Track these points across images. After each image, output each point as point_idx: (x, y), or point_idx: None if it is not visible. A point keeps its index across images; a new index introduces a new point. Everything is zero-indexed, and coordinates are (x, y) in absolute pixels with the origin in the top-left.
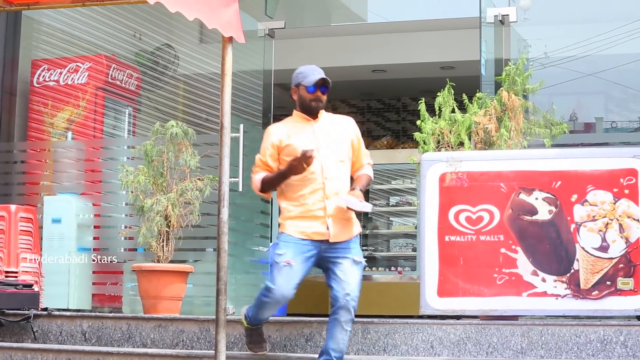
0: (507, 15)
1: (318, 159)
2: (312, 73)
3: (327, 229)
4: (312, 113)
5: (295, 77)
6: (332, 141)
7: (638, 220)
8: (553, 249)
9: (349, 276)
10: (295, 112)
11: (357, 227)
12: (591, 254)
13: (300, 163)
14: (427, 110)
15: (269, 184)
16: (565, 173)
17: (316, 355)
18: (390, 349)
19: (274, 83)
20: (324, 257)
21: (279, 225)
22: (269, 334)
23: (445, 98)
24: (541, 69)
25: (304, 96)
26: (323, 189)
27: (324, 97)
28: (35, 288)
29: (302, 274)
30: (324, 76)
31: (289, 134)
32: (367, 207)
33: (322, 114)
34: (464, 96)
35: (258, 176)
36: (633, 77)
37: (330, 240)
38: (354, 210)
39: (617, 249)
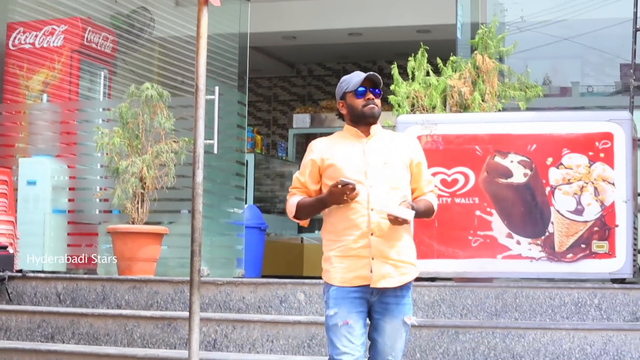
0: None
1: (365, 185)
2: (356, 76)
3: (371, 271)
4: (366, 122)
5: (339, 89)
6: (385, 164)
7: (613, 183)
8: (528, 212)
9: (394, 340)
10: (346, 126)
11: (412, 271)
12: (566, 217)
13: (342, 192)
14: (401, 73)
15: (305, 211)
16: (540, 136)
17: (290, 317)
18: None
19: (250, 46)
20: (372, 305)
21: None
22: (243, 295)
23: (419, 62)
24: (517, 33)
25: (353, 104)
26: (368, 222)
27: (378, 101)
28: (10, 250)
29: (363, 327)
30: (370, 74)
31: (333, 151)
32: (406, 214)
33: (376, 129)
34: (438, 60)
35: (294, 200)
36: (609, 42)
37: (371, 286)
38: (395, 218)
39: (592, 212)
